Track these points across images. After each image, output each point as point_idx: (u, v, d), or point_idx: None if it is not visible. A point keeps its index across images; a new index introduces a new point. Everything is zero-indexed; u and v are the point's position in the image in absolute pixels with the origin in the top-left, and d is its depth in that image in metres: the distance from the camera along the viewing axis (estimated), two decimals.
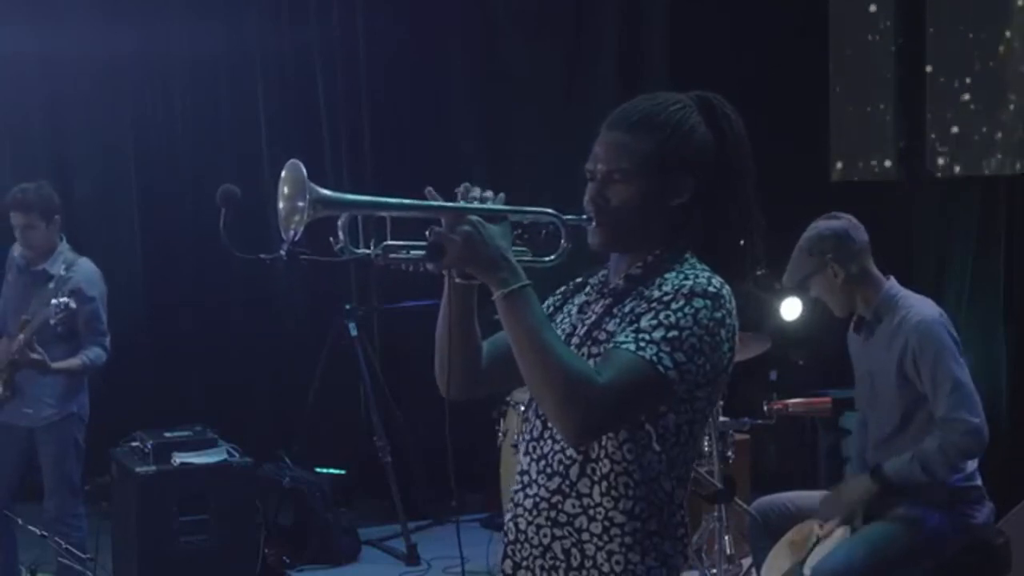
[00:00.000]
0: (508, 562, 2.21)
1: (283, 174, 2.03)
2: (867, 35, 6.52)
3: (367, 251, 2.06)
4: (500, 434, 5.50)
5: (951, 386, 3.74)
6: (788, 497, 4.27)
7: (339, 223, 2.05)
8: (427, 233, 2.04)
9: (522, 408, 4.76)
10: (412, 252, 2.07)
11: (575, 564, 2.11)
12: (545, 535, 2.13)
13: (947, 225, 6.30)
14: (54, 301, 4.70)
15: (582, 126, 2.21)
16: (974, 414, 3.74)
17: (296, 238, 2.01)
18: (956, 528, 3.85)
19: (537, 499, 2.14)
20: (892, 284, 3.95)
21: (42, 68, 6.82)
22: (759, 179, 2.20)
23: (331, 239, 2.06)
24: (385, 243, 2.07)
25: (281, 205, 2.02)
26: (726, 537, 4.75)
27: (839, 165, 6.65)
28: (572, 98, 7.13)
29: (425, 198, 2.08)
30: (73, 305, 4.70)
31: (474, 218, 2.03)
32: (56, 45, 6.69)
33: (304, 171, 1.99)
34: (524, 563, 2.17)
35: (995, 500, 3.96)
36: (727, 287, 2.10)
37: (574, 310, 2.25)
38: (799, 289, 4.14)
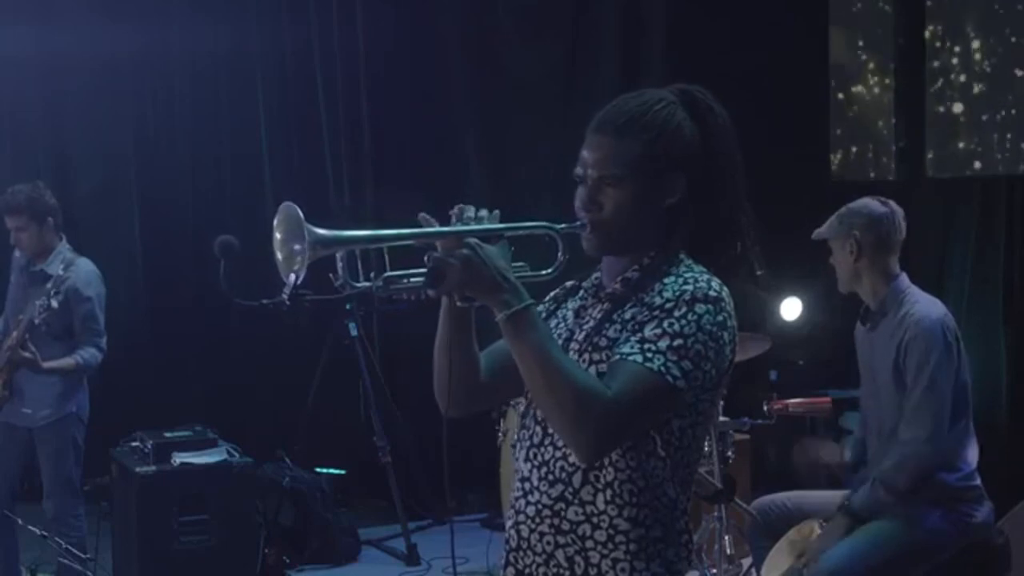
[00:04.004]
0: (511, 569, 2.19)
1: (277, 218, 1.99)
2: (867, 35, 6.52)
3: (367, 283, 2.05)
4: (500, 434, 5.49)
5: (922, 391, 3.75)
6: (788, 497, 4.26)
7: (337, 256, 2.02)
8: (425, 259, 2.01)
9: (521, 409, 4.75)
10: (412, 280, 2.06)
11: (579, 572, 2.10)
12: (548, 543, 2.12)
13: (947, 225, 6.30)
14: (38, 301, 4.71)
15: (582, 126, 2.20)
16: (934, 425, 3.73)
17: (299, 282, 2.00)
18: (956, 528, 3.84)
19: (539, 506, 2.13)
20: (902, 280, 3.96)
21: (42, 68, 6.82)
22: (759, 179, 2.18)
23: (331, 275, 2.04)
24: (386, 274, 2.05)
25: (278, 250, 1.99)
26: (726, 537, 4.75)
27: (839, 165, 6.65)
28: (572, 98, 7.12)
29: (420, 224, 2.06)
30: (55, 305, 4.70)
31: (472, 240, 2.01)
32: (56, 45, 6.68)
33: (300, 212, 1.96)
34: (527, 571, 2.16)
35: (995, 500, 3.96)
36: (726, 288, 2.09)
37: (570, 315, 2.23)
38: (823, 243, 4.08)
